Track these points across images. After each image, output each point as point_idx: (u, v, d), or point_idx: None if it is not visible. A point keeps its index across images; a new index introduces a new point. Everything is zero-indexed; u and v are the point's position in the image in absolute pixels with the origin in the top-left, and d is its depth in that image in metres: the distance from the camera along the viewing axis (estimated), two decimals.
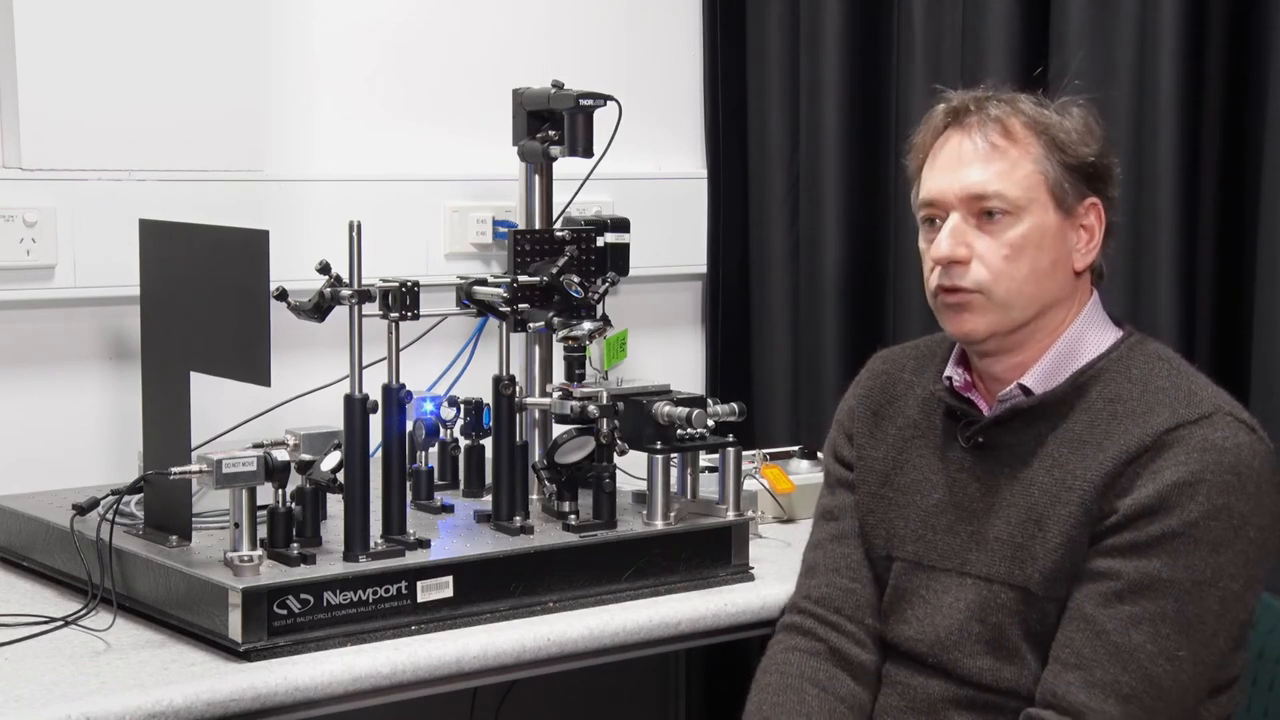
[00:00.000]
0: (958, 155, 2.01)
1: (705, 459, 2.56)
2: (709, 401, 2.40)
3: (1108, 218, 2.04)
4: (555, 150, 2.61)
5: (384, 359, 2.24)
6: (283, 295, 2.16)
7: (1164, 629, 1.87)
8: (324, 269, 2.17)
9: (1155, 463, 1.90)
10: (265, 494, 2.14)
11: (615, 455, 2.37)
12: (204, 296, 2.19)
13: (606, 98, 2.61)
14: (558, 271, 2.42)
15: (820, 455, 2.81)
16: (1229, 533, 1.88)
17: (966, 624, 2.01)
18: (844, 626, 2.13)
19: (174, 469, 2.13)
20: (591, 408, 2.37)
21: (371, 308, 2.21)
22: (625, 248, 2.62)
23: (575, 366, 2.53)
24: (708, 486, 2.50)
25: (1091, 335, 2.03)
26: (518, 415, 2.38)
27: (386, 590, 2.11)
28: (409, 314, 2.24)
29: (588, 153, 2.61)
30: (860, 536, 2.16)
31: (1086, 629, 1.90)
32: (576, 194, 2.83)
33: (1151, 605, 1.87)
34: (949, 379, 2.09)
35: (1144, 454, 1.91)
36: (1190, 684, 1.89)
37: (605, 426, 2.35)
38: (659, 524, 2.35)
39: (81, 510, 2.24)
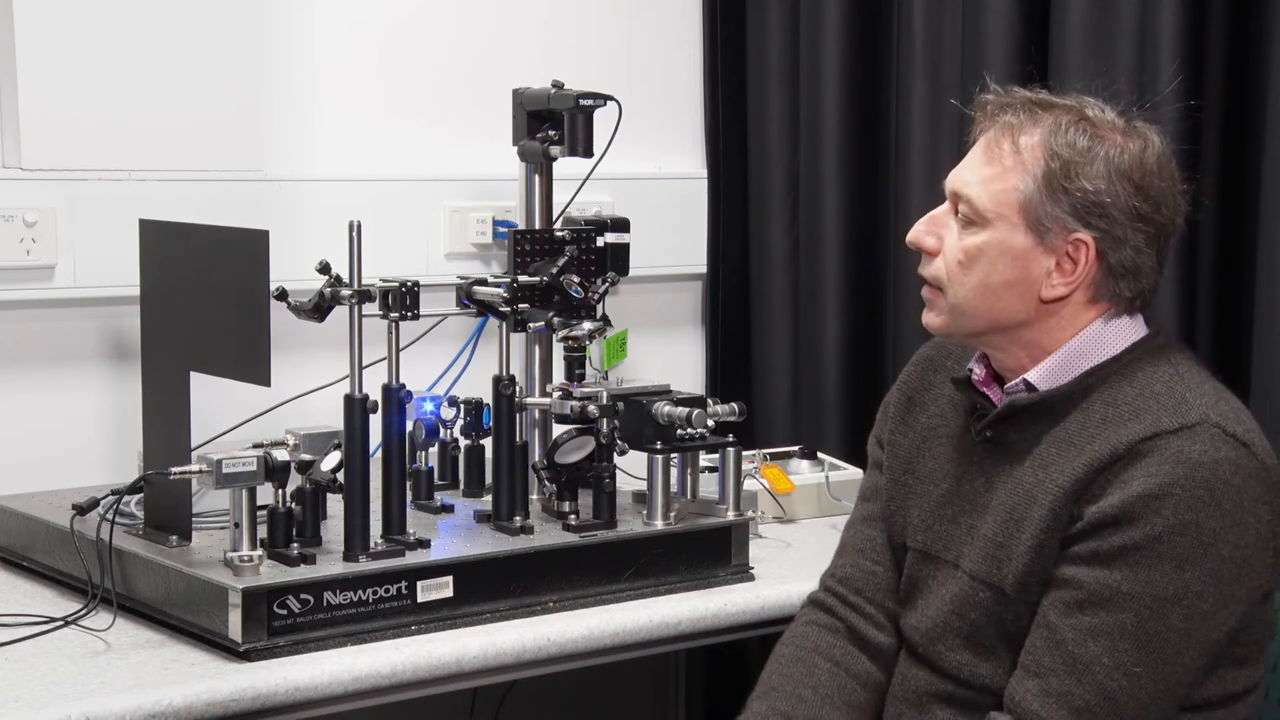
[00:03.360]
0: (973, 152, 2.00)
1: (705, 459, 2.56)
2: (709, 401, 2.40)
3: (1112, 258, 1.93)
4: (555, 150, 2.61)
5: (384, 359, 2.24)
6: (283, 295, 2.16)
7: (1121, 643, 1.83)
8: (324, 269, 2.17)
9: (1126, 472, 1.86)
10: (265, 494, 2.14)
11: (615, 455, 2.37)
12: (204, 296, 2.19)
13: (606, 98, 2.61)
14: (558, 271, 2.42)
15: (820, 455, 2.83)
16: (1196, 550, 1.82)
17: (948, 618, 2.01)
18: (863, 608, 2.12)
19: (174, 469, 2.13)
20: (591, 408, 2.37)
21: (371, 308, 2.21)
22: (625, 248, 2.62)
23: (575, 366, 2.53)
24: (708, 486, 2.50)
25: (1110, 337, 1.98)
26: (518, 415, 2.38)
27: (386, 590, 2.11)
28: (409, 314, 2.24)
29: (588, 153, 2.61)
30: (884, 520, 2.16)
31: (1048, 637, 1.88)
32: (576, 194, 2.83)
33: (1110, 618, 1.84)
34: (970, 371, 2.08)
35: (1117, 461, 1.87)
36: (1150, 701, 1.85)
37: (605, 426, 2.35)
38: (659, 524, 2.35)
39: (81, 510, 2.24)
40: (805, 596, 2.20)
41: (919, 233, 2.01)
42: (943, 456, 2.09)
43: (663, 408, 2.35)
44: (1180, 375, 1.95)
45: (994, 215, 1.94)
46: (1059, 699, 1.85)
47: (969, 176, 1.97)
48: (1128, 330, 1.99)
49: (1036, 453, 1.97)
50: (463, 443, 2.60)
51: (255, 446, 2.16)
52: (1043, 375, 1.98)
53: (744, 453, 2.48)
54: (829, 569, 2.20)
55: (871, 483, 2.20)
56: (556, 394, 2.42)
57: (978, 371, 2.07)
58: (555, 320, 2.42)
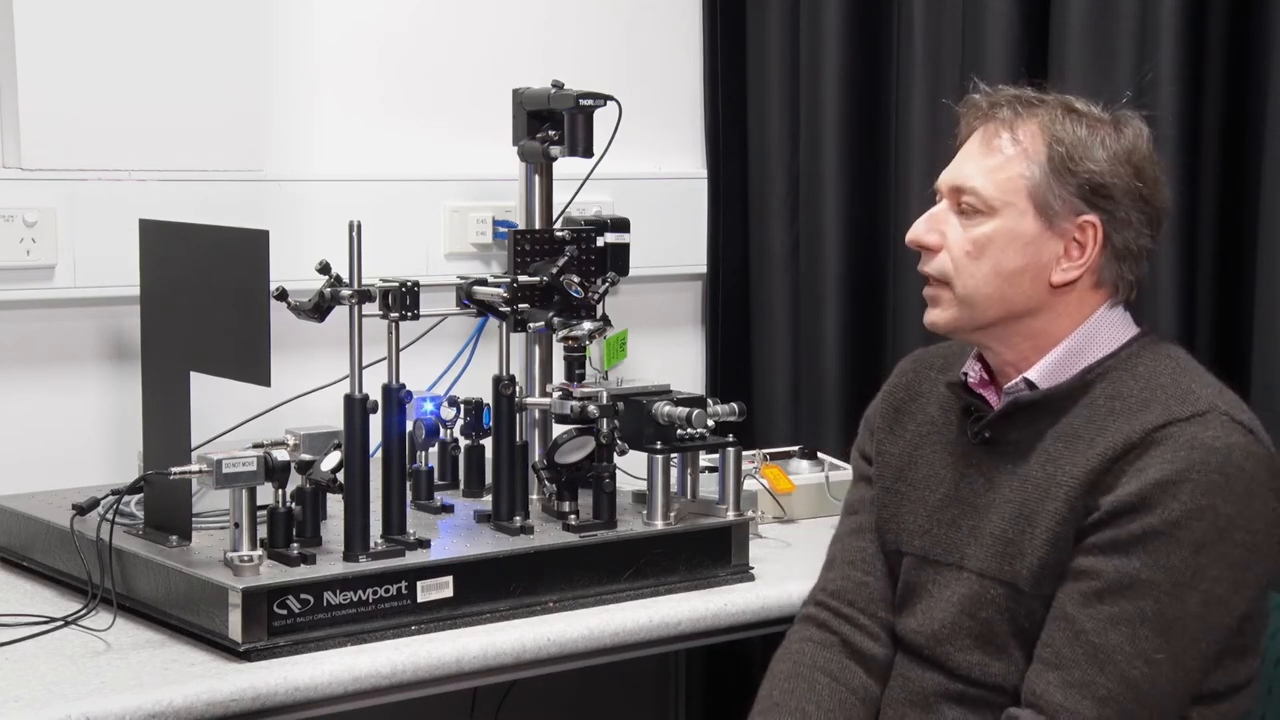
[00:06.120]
0: (968, 148, 2.02)
1: (705, 459, 2.56)
2: (709, 401, 2.40)
3: (1117, 240, 1.97)
4: (555, 150, 2.61)
5: (384, 359, 2.24)
6: (283, 295, 2.16)
7: (1142, 630, 1.85)
8: (324, 269, 2.17)
9: (1140, 460, 1.88)
10: (265, 494, 2.14)
11: (615, 455, 2.37)
12: (204, 296, 2.19)
13: (606, 98, 2.61)
14: (558, 271, 2.42)
15: (820, 455, 2.83)
16: (1212, 534, 1.85)
17: (958, 618, 2.01)
18: (857, 619, 2.13)
19: (174, 469, 2.13)
20: (591, 408, 2.37)
21: (371, 308, 2.21)
22: (625, 248, 2.62)
23: (575, 366, 2.53)
24: (708, 486, 2.50)
25: (1104, 334, 2.01)
26: (518, 415, 2.38)
27: (386, 590, 2.11)
28: (409, 314, 2.24)
29: (588, 153, 2.61)
30: (876, 530, 2.16)
31: (1067, 628, 1.89)
32: (576, 194, 2.83)
33: (1130, 606, 1.86)
34: (965, 375, 2.09)
35: (1131, 451, 1.89)
36: (1170, 688, 1.87)
37: (605, 426, 2.35)
38: (659, 524, 2.35)
39: (81, 510, 2.24)
40: (799, 610, 2.20)
41: (919, 230, 2.03)
42: (937, 462, 2.10)
43: (663, 408, 2.35)
44: (1182, 367, 1.99)
45: (1001, 203, 1.97)
46: (1082, 689, 1.86)
47: (969, 169, 2.00)
48: (1121, 326, 2.03)
49: (1041, 449, 1.98)
50: (463, 443, 2.60)
51: (255, 446, 2.16)
52: (1043, 373, 2.00)
53: (744, 453, 2.48)
54: (818, 584, 2.20)
55: (858, 496, 2.21)
56: (556, 394, 2.42)
57: (973, 374, 2.08)
58: (555, 320, 2.42)
